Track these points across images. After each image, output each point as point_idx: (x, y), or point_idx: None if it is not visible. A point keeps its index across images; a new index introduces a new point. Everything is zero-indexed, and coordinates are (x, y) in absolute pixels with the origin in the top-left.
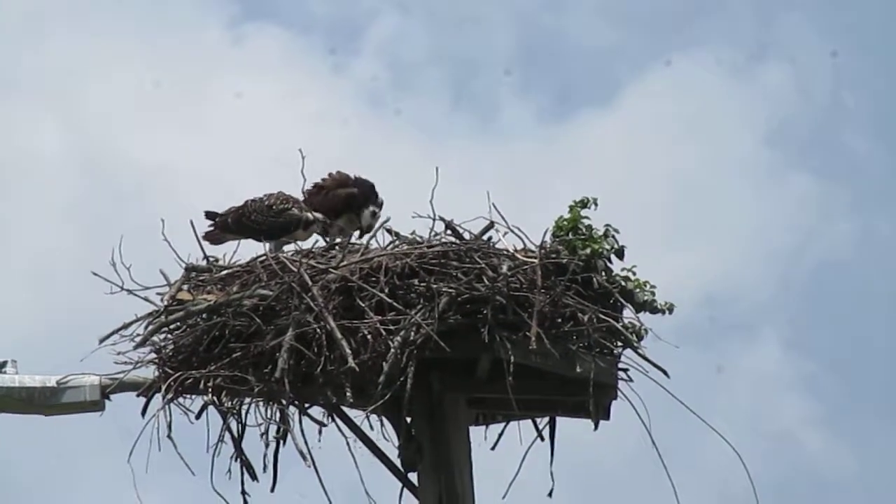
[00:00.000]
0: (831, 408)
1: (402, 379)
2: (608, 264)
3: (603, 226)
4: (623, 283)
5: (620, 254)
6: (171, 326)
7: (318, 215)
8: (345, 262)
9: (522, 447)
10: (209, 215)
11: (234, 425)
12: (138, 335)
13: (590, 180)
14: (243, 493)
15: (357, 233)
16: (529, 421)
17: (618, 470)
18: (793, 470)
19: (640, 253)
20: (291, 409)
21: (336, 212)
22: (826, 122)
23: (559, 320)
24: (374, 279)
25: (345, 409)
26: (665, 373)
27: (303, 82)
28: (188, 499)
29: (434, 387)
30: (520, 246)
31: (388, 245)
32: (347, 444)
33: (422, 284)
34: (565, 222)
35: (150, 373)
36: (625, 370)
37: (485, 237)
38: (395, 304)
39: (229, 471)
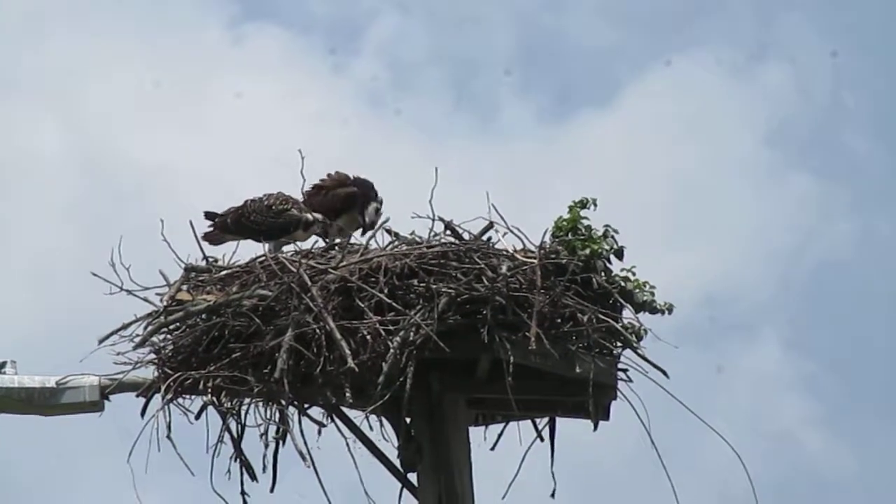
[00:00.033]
0: (831, 408)
1: (401, 379)
2: (607, 265)
3: (602, 226)
4: (622, 284)
5: (620, 254)
6: (171, 327)
7: (318, 216)
8: (344, 263)
9: (522, 448)
10: (208, 216)
11: (233, 426)
12: (138, 335)
13: (590, 180)
14: (243, 493)
15: (360, 230)
16: (529, 421)
17: (617, 470)
18: (793, 470)
19: (639, 253)
20: (291, 409)
21: (336, 212)
22: (826, 122)
23: (559, 321)
24: (373, 279)
25: (344, 409)
26: (665, 373)
27: (303, 82)
28: (188, 499)
29: (433, 387)
30: (519, 246)
31: (387, 245)
32: (347, 444)
33: (421, 285)
34: (565, 223)
35: (149, 373)
36: (624, 370)
37: (484, 237)
38: (394, 304)
39: (229, 471)
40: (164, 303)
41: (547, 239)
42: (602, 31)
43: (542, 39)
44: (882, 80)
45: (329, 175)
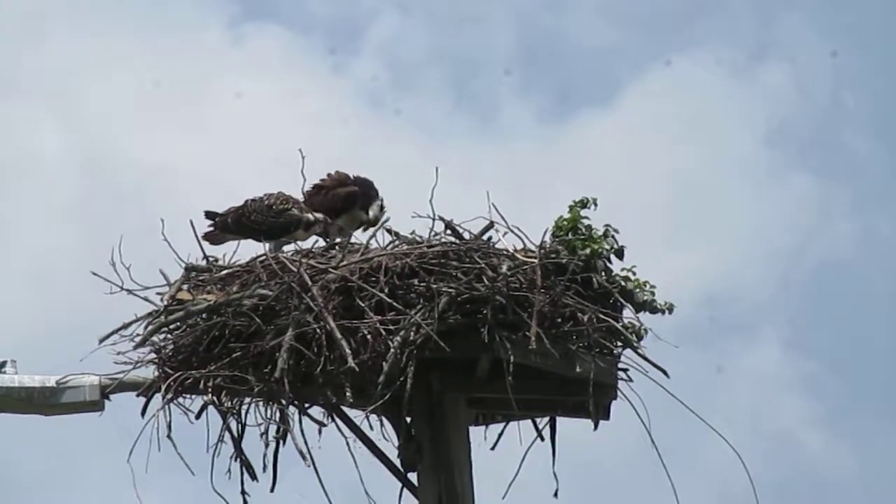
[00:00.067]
0: (831, 408)
1: (401, 379)
2: (608, 264)
3: (602, 226)
4: (623, 283)
5: (620, 254)
6: (171, 326)
7: (319, 215)
8: (344, 262)
9: (522, 447)
10: (209, 215)
11: (233, 425)
12: (138, 335)
13: (590, 180)
14: (243, 493)
15: (361, 228)
16: (529, 421)
17: (617, 470)
18: (793, 470)
19: (639, 253)
20: (291, 409)
21: (336, 211)
22: (826, 122)
23: (559, 320)
24: (373, 279)
25: (344, 409)
26: (665, 373)
27: (303, 82)
28: (188, 499)
29: (434, 387)
30: (519, 246)
31: (387, 245)
32: (347, 444)
33: (421, 284)
34: (565, 222)
35: (149, 373)
36: (625, 370)
37: (484, 237)
38: (394, 304)
39: (229, 471)
40: (165, 302)
41: (547, 239)
42: (602, 31)
43: (542, 39)
44: (882, 80)
45: (329, 175)
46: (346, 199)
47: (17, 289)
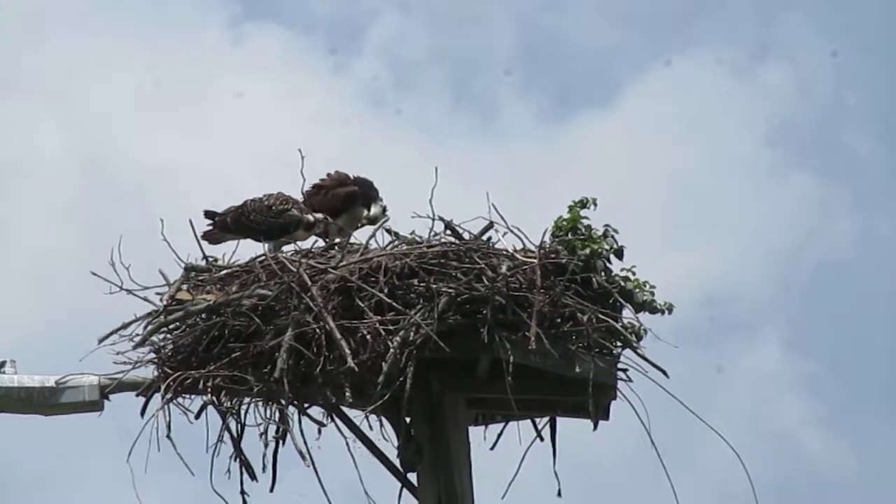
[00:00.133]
0: (831, 408)
1: (401, 379)
2: (607, 264)
3: (602, 226)
4: (622, 284)
5: (620, 254)
6: (171, 326)
7: (320, 216)
8: (344, 263)
9: (522, 447)
10: (208, 214)
11: (233, 425)
12: (137, 335)
13: (590, 180)
14: (242, 493)
15: (362, 226)
16: (529, 421)
17: (617, 470)
18: (793, 470)
19: (639, 253)
20: (291, 409)
21: (336, 211)
22: (826, 121)
23: (558, 320)
24: (373, 279)
25: (344, 409)
26: (664, 373)
27: (303, 82)
28: (187, 499)
29: (433, 387)
30: (519, 246)
31: (387, 245)
32: (347, 444)
33: (421, 284)
34: (565, 222)
35: (149, 373)
36: (624, 370)
37: (484, 237)
38: (394, 304)
39: (228, 471)
40: (164, 302)
41: (547, 239)
42: (602, 31)
43: (542, 39)
44: (882, 80)
45: (329, 175)
46: (346, 199)
47: (17, 289)
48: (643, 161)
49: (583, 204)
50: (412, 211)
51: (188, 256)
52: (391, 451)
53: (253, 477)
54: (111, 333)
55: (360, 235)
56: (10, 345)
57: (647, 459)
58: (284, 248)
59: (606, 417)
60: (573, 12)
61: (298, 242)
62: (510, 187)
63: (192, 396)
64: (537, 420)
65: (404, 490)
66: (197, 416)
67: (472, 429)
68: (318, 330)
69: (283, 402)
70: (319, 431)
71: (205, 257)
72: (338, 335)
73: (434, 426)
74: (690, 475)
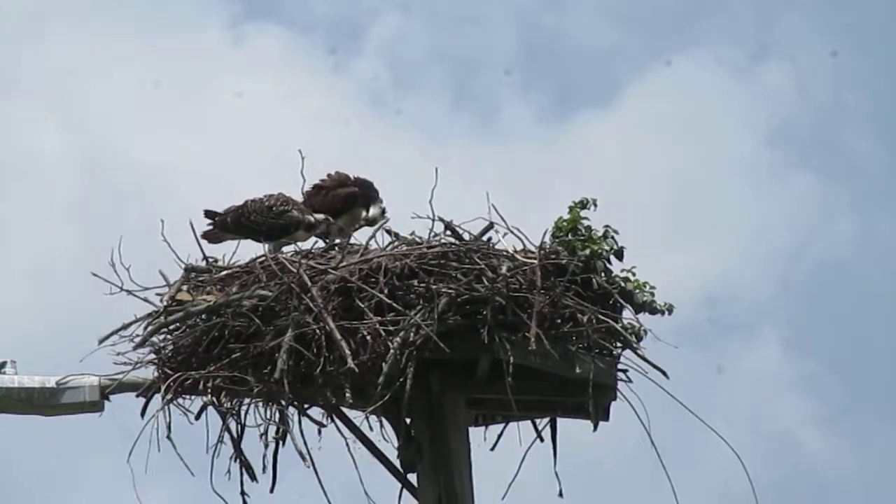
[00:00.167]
0: (831, 408)
1: (401, 380)
2: (607, 265)
3: (602, 226)
4: (622, 284)
5: (620, 255)
6: (171, 327)
7: (320, 216)
8: (344, 263)
9: (522, 448)
10: (208, 214)
11: (233, 426)
12: (138, 336)
13: (590, 180)
14: (242, 493)
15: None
16: (529, 422)
17: (617, 471)
18: (793, 470)
19: (639, 253)
20: (291, 409)
21: (336, 212)
22: (826, 121)
23: (558, 321)
24: (373, 280)
25: (344, 409)
26: (664, 373)
27: (303, 82)
28: (188, 499)
29: (433, 387)
30: (519, 247)
31: (387, 246)
32: (347, 444)
33: (421, 285)
34: (565, 223)
35: (149, 373)
36: (624, 371)
37: (484, 238)
38: (394, 304)
39: (228, 471)
40: (164, 303)
41: (547, 239)
42: (602, 31)
43: (542, 39)
44: (882, 80)
45: (329, 175)
46: (346, 200)
47: (17, 289)
48: (643, 161)
49: (583, 204)
50: (412, 211)
51: (188, 257)
52: (391, 451)
53: (253, 477)
54: (111, 334)
55: (360, 236)
56: (10, 345)
57: (647, 460)
58: (284, 249)
59: (606, 418)
60: (573, 12)
61: (299, 243)
62: (510, 187)
63: (193, 397)
64: (537, 421)
65: (404, 491)
66: (197, 417)
67: (472, 429)
68: (318, 331)
69: (283, 402)
70: (319, 432)
71: (205, 258)
72: (338, 336)
73: (434, 427)
74: (690, 475)
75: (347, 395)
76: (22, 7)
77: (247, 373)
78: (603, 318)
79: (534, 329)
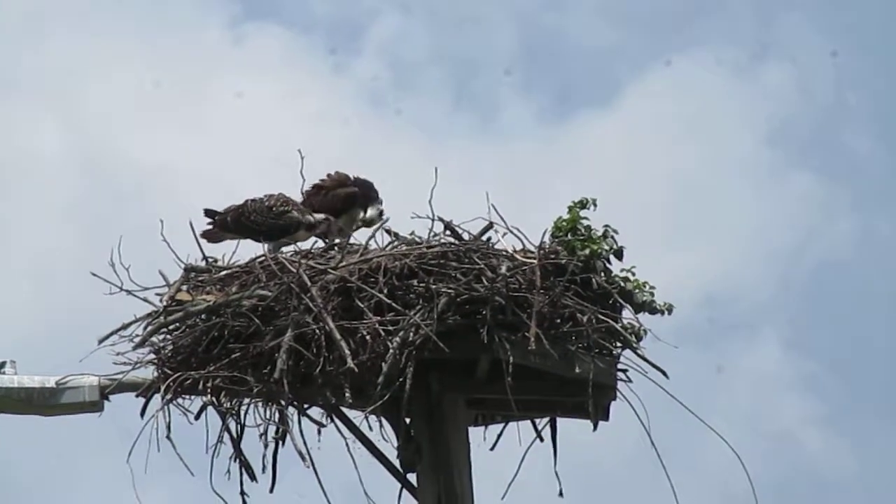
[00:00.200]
0: (832, 408)
1: (401, 379)
2: (607, 265)
3: (602, 226)
4: (622, 284)
5: (619, 254)
6: (171, 327)
7: (321, 216)
8: (344, 263)
9: (521, 448)
10: (208, 213)
11: (233, 426)
12: (137, 336)
13: (590, 180)
14: (242, 493)
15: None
16: (529, 421)
17: (617, 471)
18: (793, 470)
19: (639, 253)
20: (290, 409)
21: (336, 212)
22: (827, 121)
23: (558, 321)
24: (372, 280)
25: (344, 409)
26: (664, 373)
27: (303, 82)
28: (187, 499)
29: (433, 387)
30: (519, 246)
31: (386, 245)
32: (346, 444)
33: (421, 285)
34: (564, 223)
35: (149, 373)
36: (624, 371)
37: (484, 238)
38: (394, 304)
39: (228, 471)
40: (164, 303)
41: (546, 239)
42: (602, 31)
43: (542, 39)
44: (883, 80)
45: (329, 175)
46: (346, 200)
47: (17, 289)
48: (643, 161)
49: (582, 204)
50: (412, 211)
51: (188, 257)
52: (391, 451)
53: (253, 477)
54: (111, 334)
55: (359, 236)
56: (10, 345)
57: (647, 460)
58: (284, 249)
59: (606, 418)
60: (573, 12)
61: (299, 243)
62: (510, 187)
63: (192, 397)
64: (537, 420)
65: (404, 490)
66: (197, 417)
67: (471, 429)
68: (317, 330)
69: (282, 402)
70: (319, 432)
71: (205, 258)
72: (337, 336)
73: (434, 426)
74: (690, 475)
75: (347, 395)
76: (22, 7)
77: (246, 373)
78: (603, 317)
79: (533, 329)
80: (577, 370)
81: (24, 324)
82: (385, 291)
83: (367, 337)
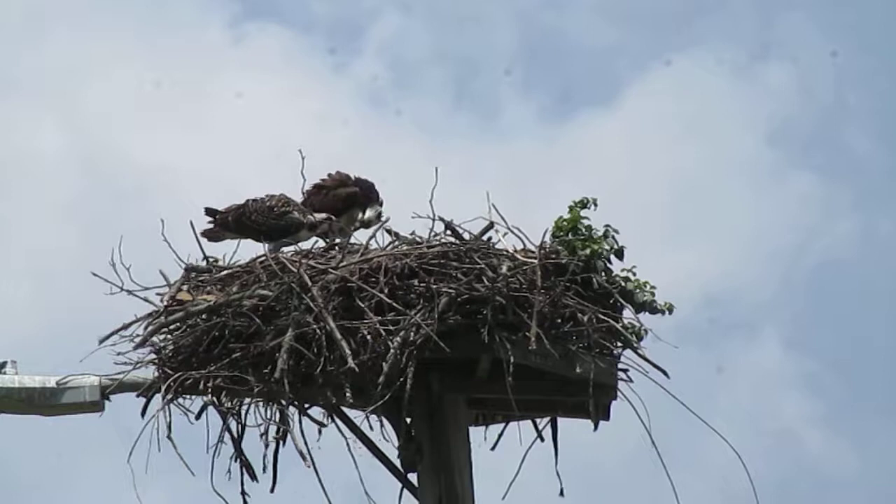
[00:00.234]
0: (832, 406)
1: (401, 379)
2: (608, 265)
3: (603, 226)
4: (623, 284)
5: (620, 254)
6: (171, 327)
7: (323, 216)
8: (344, 263)
9: (522, 448)
10: (209, 212)
11: (233, 426)
12: (138, 335)
13: (590, 180)
14: (243, 493)
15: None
16: (529, 421)
17: (618, 470)
18: (794, 469)
19: (640, 253)
20: (291, 409)
21: (336, 212)
22: (827, 121)
23: (559, 321)
24: (373, 280)
25: (344, 409)
26: (665, 373)
27: (304, 82)
28: (188, 499)
29: (434, 387)
30: (519, 246)
31: (387, 245)
32: (347, 444)
33: (421, 285)
34: (565, 223)
35: (149, 373)
36: (624, 370)
37: (484, 237)
38: (394, 304)
39: (229, 471)
40: (165, 303)
41: (547, 239)
42: (603, 30)
43: (542, 39)
44: (883, 80)
45: (330, 175)
46: (347, 200)
47: (17, 289)
48: (643, 161)
49: (583, 204)
50: (412, 211)
51: (188, 257)
52: (391, 451)
53: (253, 477)
54: (112, 334)
55: (360, 236)
56: (10, 345)
57: (648, 459)
58: (284, 249)
59: (607, 418)
60: (573, 12)
61: (300, 243)
62: (510, 187)
63: (193, 397)
64: (538, 420)
65: (405, 490)
66: (197, 417)
67: (472, 429)
68: (318, 330)
69: (283, 402)
70: (320, 432)
71: (205, 258)
72: (338, 335)
73: (434, 426)
74: (691, 475)
75: (348, 394)
76: (22, 7)
77: (247, 372)
78: (603, 317)
79: (534, 329)
80: (578, 370)
81: (25, 324)
82: (386, 291)
83: (368, 337)
